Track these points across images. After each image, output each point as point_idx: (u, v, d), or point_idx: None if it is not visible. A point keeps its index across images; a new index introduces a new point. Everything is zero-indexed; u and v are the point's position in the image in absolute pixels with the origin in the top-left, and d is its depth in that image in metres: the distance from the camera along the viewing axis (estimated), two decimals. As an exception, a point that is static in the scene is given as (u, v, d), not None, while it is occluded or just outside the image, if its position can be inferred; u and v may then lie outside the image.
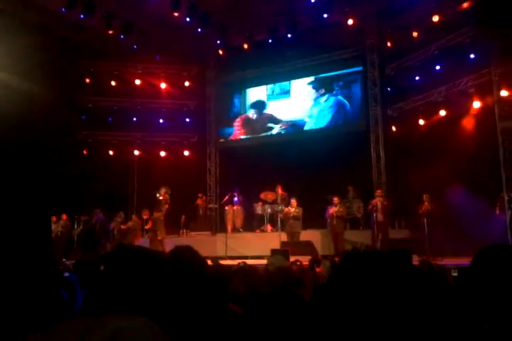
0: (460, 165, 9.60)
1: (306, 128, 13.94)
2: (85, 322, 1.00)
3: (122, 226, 12.40)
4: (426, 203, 9.59)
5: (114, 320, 1.01)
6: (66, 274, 4.50)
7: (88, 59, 14.44)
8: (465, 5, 10.07)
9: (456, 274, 5.77)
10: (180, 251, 1.59)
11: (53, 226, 12.04)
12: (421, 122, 11.40)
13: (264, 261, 7.04)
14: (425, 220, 9.38)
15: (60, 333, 0.96)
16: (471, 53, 10.44)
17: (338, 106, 13.44)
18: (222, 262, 9.00)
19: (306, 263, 6.17)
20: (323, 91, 13.78)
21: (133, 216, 12.94)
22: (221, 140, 15.17)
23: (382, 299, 1.09)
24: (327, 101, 13.65)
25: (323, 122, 13.66)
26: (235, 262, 6.36)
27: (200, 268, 1.51)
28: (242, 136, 14.88)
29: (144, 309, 1.21)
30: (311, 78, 14.09)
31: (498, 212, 8.99)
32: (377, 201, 10.24)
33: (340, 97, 13.53)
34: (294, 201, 11.05)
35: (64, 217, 12.57)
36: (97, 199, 12.96)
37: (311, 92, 13.97)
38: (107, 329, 0.98)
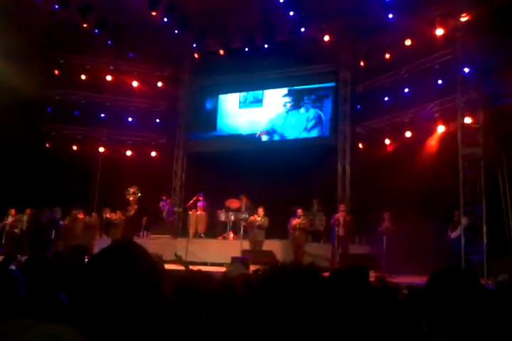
0: (421, 185, 9.96)
1: (275, 138, 14.08)
2: (12, 325, 1.01)
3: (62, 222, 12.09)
4: (386, 221, 9.90)
5: (39, 326, 1.02)
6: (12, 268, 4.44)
7: (59, 50, 14.07)
8: (437, 32, 10.48)
9: (406, 292, 5.95)
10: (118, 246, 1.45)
11: (12, 220, 11.68)
12: (387, 141, 11.77)
13: (223, 269, 7.06)
14: (384, 238, 9.66)
15: None
16: (439, 79, 10.88)
17: (318, 119, 13.65)
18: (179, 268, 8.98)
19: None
20: (295, 103, 13.97)
21: (93, 213, 12.68)
22: (189, 143, 15.09)
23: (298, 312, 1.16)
24: (307, 113, 13.80)
25: (296, 133, 13.82)
26: (195, 267, 6.34)
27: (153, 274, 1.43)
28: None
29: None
30: (284, 89, 14.27)
31: (451, 234, 9.38)
32: (340, 216, 10.47)
33: (318, 110, 13.74)
34: (261, 210, 11.11)
35: (28, 211, 12.15)
36: (57, 194, 12.60)
37: (284, 103, 14.13)
38: (30, 334, 0.99)
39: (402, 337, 1.67)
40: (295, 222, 10.59)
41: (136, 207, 12.33)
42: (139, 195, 12.89)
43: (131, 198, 12.39)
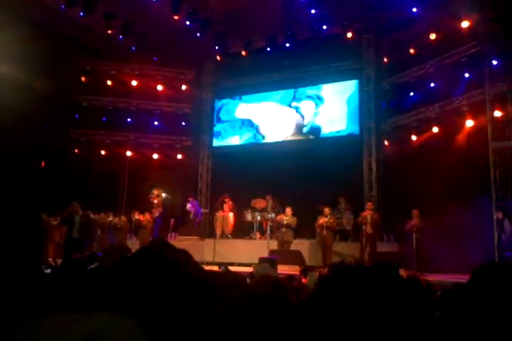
0: (451, 182, 9.73)
1: (304, 137, 13.99)
2: (67, 318, 1.02)
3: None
4: (414, 219, 9.72)
5: (95, 318, 1.02)
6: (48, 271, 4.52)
7: (85, 57, 14.39)
8: (463, 24, 10.26)
9: (439, 293, 5.81)
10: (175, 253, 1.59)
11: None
12: (413, 138, 11.56)
13: (250, 269, 7.07)
14: (414, 235, 9.49)
15: (42, 328, 0.99)
16: (466, 72, 10.63)
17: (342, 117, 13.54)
18: (210, 268, 9.03)
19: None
20: (319, 101, 13.89)
21: (122, 216, 12.89)
22: (214, 144, 15.20)
23: (368, 313, 1.14)
24: (331, 110, 13.68)
25: (321, 131, 13.73)
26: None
27: (191, 271, 1.51)
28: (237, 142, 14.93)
29: (132, 308, 1.21)
30: (307, 88, 14.20)
31: None
32: (367, 214, 10.33)
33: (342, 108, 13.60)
34: (289, 210, 11.04)
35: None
36: (86, 198, 12.84)
37: (310, 102, 14.06)
38: (87, 327, 0.99)
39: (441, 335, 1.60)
40: (322, 220, 10.49)
41: (160, 209, 12.47)
42: (164, 195, 13.04)
43: (155, 200, 12.53)
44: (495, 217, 8.85)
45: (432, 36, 11.03)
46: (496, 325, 1.37)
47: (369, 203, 10.80)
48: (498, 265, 1.52)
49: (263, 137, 14.52)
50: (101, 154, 14.39)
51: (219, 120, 15.37)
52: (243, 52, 13.83)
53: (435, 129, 11.05)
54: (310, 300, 1.37)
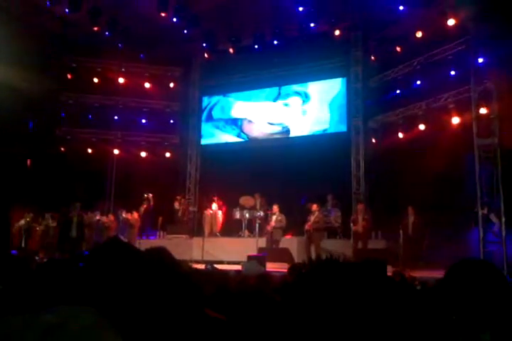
0: (437, 178, 9.83)
1: (291, 134, 14.00)
2: (26, 317, 1.02)
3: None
4: (410, 215, 9.81)
5: (54, 312, 1.02)
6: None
7: (71, 54, 14.23)
8: (449, 22, 10.34)
9: (419, 288, 5.84)
10: (153, 251, 1.64)
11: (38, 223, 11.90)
12: (400, 135, 11.65)
13: (239, 267, 7.07)
14: (405, 232, 9.59)
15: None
16: (452, 70, 10.74)
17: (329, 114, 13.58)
18: (199, 266, 9.02)
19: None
20: (307, 98, 13.91)
21: (109, 214, 12.82)
22: (202, 142, 15.15)
23: (345, 306, 1.16)
24: (319, 108, 13.71)
25: (309, 129, 13.75)
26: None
27: (173, 269, 1.55)
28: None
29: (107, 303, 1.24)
30: (295, 85, 14.21)
31: None
32: (359, 215, 10.42)
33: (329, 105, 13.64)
34: (276, 207, 11.08)
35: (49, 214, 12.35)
36: (73, 196, 12.76)
37: (297, 99, 14.07)
38: (46, 322, 1.00)
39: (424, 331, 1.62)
40: (308, 226, 10.55)
41: (145, 205, 12.56)
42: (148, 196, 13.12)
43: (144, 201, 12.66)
44: (480, 213, 8.96)
45: (419, 34, 11.11)
46: (465, 314, 1.41)
47: (360, 205, 10.87)
48: (470, 261, 1.55)
49: (247, 136, 14.49)
50: (88, 152, 14.26)
51: (210, 118, 15.28)
52: (231, 50, 13.78)
53: (422, 126, 11.14)
54: (289, 296, 1.37)
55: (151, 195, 13.03)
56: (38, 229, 12.15)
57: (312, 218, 10.59)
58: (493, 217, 8.80)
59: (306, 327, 1.19)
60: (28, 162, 13.02)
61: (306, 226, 10.58)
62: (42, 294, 1.62)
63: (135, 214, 12.50)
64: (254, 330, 1.90)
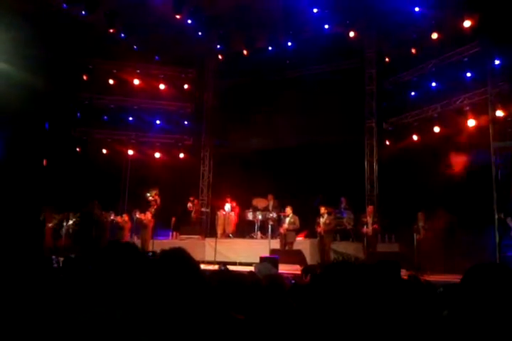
0: (452, 181, 9.74)
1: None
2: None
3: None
4: (420, 221, 9.73)
5: (93, 310, 1.07)
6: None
7: (87, 56, 14.39)
8: (465, 24, 10.24)
9: (441, 290, 5.80)
10: (173, 252, 1.66)
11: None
12: (415, 137, 11.56)
13: (251, 268, 7.09)
14: (415, 235, 9.51)
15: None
16: (468, 72, 10.63)
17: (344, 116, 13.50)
18: (211, 267, 9.05)
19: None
20: (320, 100, 13.86)
21: (124, 214, 12.92)
22: (215, 144, 15.20)
23: (360, 308, 1.16)
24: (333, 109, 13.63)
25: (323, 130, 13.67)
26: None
27: (192, 270, 1.58)
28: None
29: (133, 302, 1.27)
30: (309, 87, 14.16)
31: None
32: (369, 216, 10.38)
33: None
34: (289, 209, 11.08)
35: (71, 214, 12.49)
36: (88, 196, 12.88)
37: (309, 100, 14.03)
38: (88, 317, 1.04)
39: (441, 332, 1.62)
40: (319, 228, 10.54)
41: (155, 206, 12.62)
42: (155, 196, 13.18)
43: (150, 198, 12.70)
44: (496, 217, 8.85)
45: (434, 36, 11.02)
46: (484, 320, 1.40)
47: (370, 207, 10.84)
48: (487, 265, 1.54)
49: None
50: (103, 153, 14.41)
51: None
52: (245, 52, 13.81)
53: (437, 129, 11.04)
54: (304, 299, 1.39)
55: (153, 192, 13.05)
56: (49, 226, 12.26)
57: (322, 220, 10.59)
58: (510, 221, 8.68)
59: (320, 325, 1.19)
60: (44, 162, 13.17)
61: (318, 229, 10.58)
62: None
63: (148, 215, 12.59)
64: (270, 330, 1.91)
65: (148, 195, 13.24)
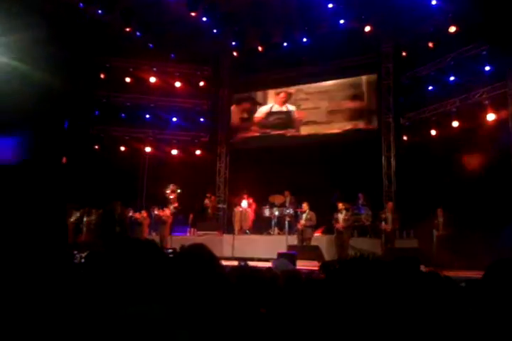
0: (471, 177, 9.63)
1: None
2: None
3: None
4: (439, 217, 9.64)
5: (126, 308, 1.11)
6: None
7: (104, 54, 14.54)
8: (482, 17, 10.07)
9: (463, 284, 5.76)
10: (194, 248, 1.69)
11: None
12: (433, 132, 11.44)
13: (269, 264, 7.11)
14: (434, 232, 9.43)
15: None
16: (486, 65, 10.46)
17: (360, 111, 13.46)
18: (229, 263, 9.11)
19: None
20: (336, 96, 13.81)
21: (142, 211, 13.05)
22: (231, 140, 15.25)
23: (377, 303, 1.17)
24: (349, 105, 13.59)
25: (339, 126, 13.68)
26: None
27: (214, 266, 1.61)
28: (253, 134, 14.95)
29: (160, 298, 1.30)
30: (325, 82, 14.12)
31: None
32: (389, 213, 10.32)
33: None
34: (305, 205, 11.07)
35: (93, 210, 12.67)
36: (107, 193, 13.04)
37: (328, 96, 13.99)
38: (126, 313, 1.08)
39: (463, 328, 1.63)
40: (338, 225, 10.51)
41: (176, 204, 12.66)
42: (179, 191, 13.24)
43: (171, 196, 12.73)
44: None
45: (452, 29, 10.87)
46: (506, 315, 1.40)
47: (389, 203, 10.77)
48: (508, 261, 1.53)
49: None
50: (120, 150, 14.58)
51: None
52: (260, 48, 13.80)
53: (455, 123, 10.91)
54: (320, 294, 1.40)
55: (171, 187, 13.16)
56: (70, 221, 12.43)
57: (340, 216, 10.54)
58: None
59: (335, 320, 1.21)
60: (64, 160, 13.37)
61: (337, 225, 10.54)
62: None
63: (167, 211, 12.70)
64: (290, 323, 1.94)
65: (169, 191, 13.35)
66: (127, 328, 1.10)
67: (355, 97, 13.59)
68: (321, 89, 14.18)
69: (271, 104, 14.90)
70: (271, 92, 14.99)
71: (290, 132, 14.33)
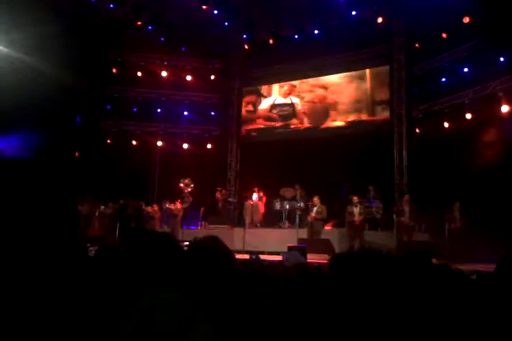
0: (485, 169, 9.48)
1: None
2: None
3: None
4: (457, 211, 9.52)
5: (150, 297, 1.12)
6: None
7: (116, 49, 14.61)
8: (495, 8, 9.87)
9: (474, 277, 5.73)
10: (207, 240, 1.70)
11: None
12: (446, 125, 11.29)
13: (280, 257, 7.11)
14: (446, 225, 9.33)
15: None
16: (500, 56, 10.27)
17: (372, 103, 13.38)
18: (240, 256, 9.14)
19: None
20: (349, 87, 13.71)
21: (154, 204, 13.15)
22: (242, 133, 15.24)
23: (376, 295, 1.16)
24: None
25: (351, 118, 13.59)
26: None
27: (225, 257, 1.61)
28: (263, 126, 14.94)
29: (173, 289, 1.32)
30: (337, 74, 14.01)
31: None
32: (405, 207, 10.23)
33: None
34: (316, 199, 11.03)
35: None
36: (119, 187, 13.16)
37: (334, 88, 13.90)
38: (143, 304, 1.09)
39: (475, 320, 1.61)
40: (354, 218, 10.43)
41: (191, 198, 12.71)
42: (192, 185, 13.29)
43: (185, 190, 12.78)
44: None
45: (466, 20, 10.68)
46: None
47: (406, 196, 10.68)
48: None
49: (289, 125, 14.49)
50: (132, 144, 14.67)
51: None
52: (271, 41, 13.73)
53: (468, 115, 10.75)
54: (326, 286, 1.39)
55: (186, 180, 13.22)
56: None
57: (355, 210, 10.47)
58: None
59: (340, 313, 1.20)
60: (77, 154, 13.52)
61: (353, 219, 10.45)
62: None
63: (178, 205, 12.78)
64: (296, 315, 1.94)
65: (183, 185, 13.42)
66: (150, 315, 1.11)
67: (360, 89, 13.49)
68: (328, 81, 14.09)
69: (275, 96, 14.87)
70: (275, 84, 14.94)
71: (294, 124, 14.31)
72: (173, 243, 1.61)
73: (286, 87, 14.74)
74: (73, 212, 1.38)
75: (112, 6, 13.09)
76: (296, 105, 14.45)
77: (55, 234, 1.23)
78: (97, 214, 12.64)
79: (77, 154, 13.47)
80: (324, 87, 14.14)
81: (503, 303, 1.47)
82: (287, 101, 14.63)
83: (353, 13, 12.48)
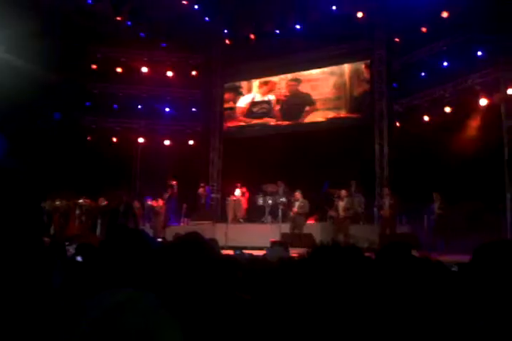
0: (464, 162, 9.59)
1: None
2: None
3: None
4: (437, 201, 9.61)
5: (119, 293, 1.09)
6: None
7: (95, 45, 14.41)
8: (475, 2, 9.97)
9: (455, 269, 5.77)
10: (188, 236, 1.71)
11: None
12: (426, 118, 11.39)
13: (263, 252, 7.09)
14: (429, 217, 9.42)
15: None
16: (479, 50, 10.38)
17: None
18: (223, 252, 9.09)
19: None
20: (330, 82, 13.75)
21: (135, 202, 13.01)
22: (224, 129, 15.19)
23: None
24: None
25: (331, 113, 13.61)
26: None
27: (207, 253, 1.61)
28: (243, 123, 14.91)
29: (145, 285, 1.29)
30: (318, 70, 14.04)
31: None
32: (385, 199, 10.29)
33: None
34: (298, 193, 11.02)
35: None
36: (99, 185, 12.99)
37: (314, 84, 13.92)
38: (110, 300, 1.06)
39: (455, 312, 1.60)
40: (340, 212, 10.43)
41: (170, 191, 12.68)
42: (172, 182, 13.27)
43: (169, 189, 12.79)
44: (508, 197, 8.72)
45: (444, 14, 10.77)
46: (494, 300, 1.37)
47: (386, 189, 10.74)
48: (498, 243, 1.50)
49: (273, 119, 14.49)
50: (113, 141, 14.50)
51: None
52: (252, 36, 13.69)
53: (448, 109, 10.85)
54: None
55: (174, 182, 13.17)
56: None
57: (341, 204, 10.48)
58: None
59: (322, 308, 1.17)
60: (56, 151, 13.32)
61: (336, 213, 10.45)
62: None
63: (160, 202, 12.67)
64: (275, 308, 1.92)
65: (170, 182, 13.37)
66: (118, 315, 1.08)
67: (339, 85, 13.55)
68: (308, 77, 14.11)
69: (253, 93, 14.85)
70: (255, 81, 14.90)
71: (273, 121, 14.32)
72: (144, 240, 1.58)
73: (265, 87, 14.71)
74: (37, 213, 1.35)
75: (89, 1, 12.89)
76: (273, 102, 14.44)
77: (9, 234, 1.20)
78: (77, 212, 12.50)
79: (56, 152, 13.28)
80: (298, 81, 14.17)
81: (479, 294, 1.46)
82: (265, 98, 14.62)
83: (334, 7, 12.49)
